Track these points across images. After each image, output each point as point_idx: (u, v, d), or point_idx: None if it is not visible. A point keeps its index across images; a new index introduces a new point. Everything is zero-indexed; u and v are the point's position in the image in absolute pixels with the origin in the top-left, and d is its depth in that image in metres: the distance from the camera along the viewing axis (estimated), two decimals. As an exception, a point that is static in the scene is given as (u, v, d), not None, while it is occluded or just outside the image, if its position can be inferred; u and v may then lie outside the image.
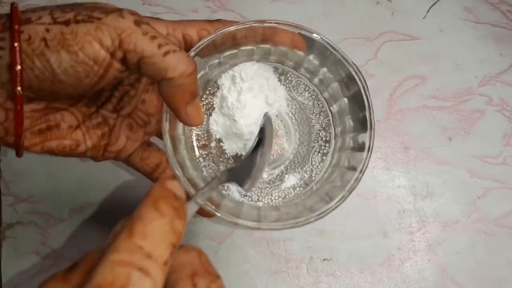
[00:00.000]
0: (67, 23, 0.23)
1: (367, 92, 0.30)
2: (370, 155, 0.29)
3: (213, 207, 0.28)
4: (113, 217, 0.45)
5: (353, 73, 0.30)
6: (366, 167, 0.29)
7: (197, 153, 0.32)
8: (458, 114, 0.50)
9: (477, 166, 0.48)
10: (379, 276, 0.43)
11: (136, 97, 0.30)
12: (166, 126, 0.28)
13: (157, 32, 0.24)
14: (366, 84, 0.30)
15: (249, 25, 0.28)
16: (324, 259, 0.43)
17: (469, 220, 0.45)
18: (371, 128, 0.29)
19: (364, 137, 0.29)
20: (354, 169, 0.29)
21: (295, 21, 0.55)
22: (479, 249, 0.44)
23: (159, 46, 0.23)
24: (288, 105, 0.34)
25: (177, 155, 0.28)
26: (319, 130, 0.34)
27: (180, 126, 0.30)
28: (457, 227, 0.45)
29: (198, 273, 0.18)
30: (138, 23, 0.24)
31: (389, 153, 0.48)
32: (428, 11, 0.57)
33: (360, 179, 0.29)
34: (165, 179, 0.19)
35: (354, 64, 0.30)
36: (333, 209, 0.29)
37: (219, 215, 0.28)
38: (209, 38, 0.28)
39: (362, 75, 0.30)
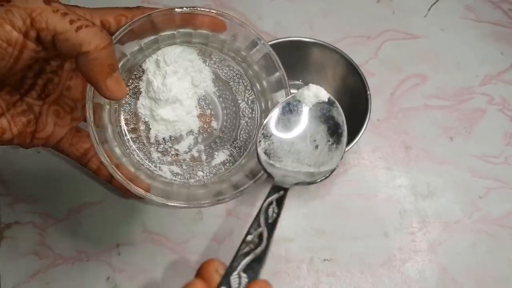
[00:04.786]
0: None
1: (283, 73, 0.31)
2: None
3: (143, 191, 0.29)
4: (111, 217, 0.45)
5: (272, 58, 0.31)
6: None
7: (126, 137, 0.33)
8: (459, 113, 0.50)
9: (479, 165, 0.47)
10: (380, 277, 0.42)
11: (61, 84, 0.31)
12: (90, 116, 0.28)
13: (68, 9, 0.25)
14: (282, 68, 0.31)
15: (164, 12, 0.29)
16: (324, 260, 0.43)
17: (470, 220, 0.45)
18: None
19: None
20: None
21: (295, 19, 0.56)
22: (480, 249, 0.44)
23: (71, 22, 0.24)
24: (214, 85, 0.34)
25: (104, 144, 0.29)
26: (245, 108, 0.35)
27: (105, 114, 0.31)
28: (458, 227, 0.44)
29: None
30: (48, 1, 0.24)
31: (390, 152, 0.48)
32: (429, 9, 0.56)
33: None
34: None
35: (274, 53, 0.31)
36: (255, 182, 0.30)
37: (149, 197, 0.29)
38: (127, 27, 0.28)
39: (279, 61, 0.31)
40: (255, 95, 0.34)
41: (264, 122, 0.30)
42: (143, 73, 0.32)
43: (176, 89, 0.32)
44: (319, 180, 0.27)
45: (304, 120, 0.29)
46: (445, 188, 0.46)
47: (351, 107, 0.46)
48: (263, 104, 0.34)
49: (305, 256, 0.43)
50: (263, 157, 0.28)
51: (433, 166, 0.47)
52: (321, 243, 0.44)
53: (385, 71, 0.52)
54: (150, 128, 0.33)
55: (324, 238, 0.44)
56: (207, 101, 0.34)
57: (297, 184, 0.26)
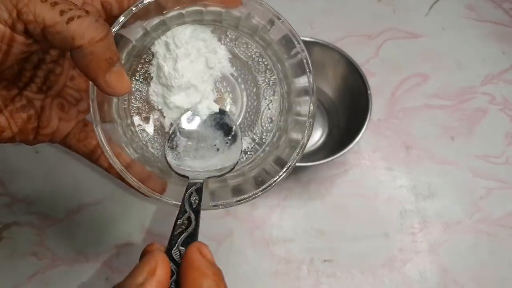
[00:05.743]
0: None
1: (306, 56, 0.29)
2: (312, 124, 0.29)
3: (158, 194, 0.28)
4: (110, 218, 0.45)
5: (291, 36, 0.29)
6: (307, 140, 0.29)
7: (140, 127, 0.31)
8: (460, 113, 0.50)
9: (480, 165, 0.47)
10: (381, 277, 0.42)
11: (64, 75, 0.29)
12: (95, 115, 0.27)
13: None
14: (305, 50, 0.29)
15: None
16: (324, 260, 0.43)
17: (472, 221, 0.45)
18: (312, 94, 0.29)
19: (306, 104, 0.29)
20: (297, 140, 0.29)
21: (296, 18, 0.55)
22: (482, 250, 0.44)
23: (61, 12, 0.22)
24: (231, 65, 0.32)
25: (113, 143, 0.27)
26: (266, 89, 0.32)
27: (113, 107, 0.29)
28: (459, 227, 0.44)
29: None
30: None
31: (391, 152, 0.48)
32: (430, 9, 0.56)
33: (303, 150, 0.29)
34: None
35: (295, 32, 0.29)
36: (277, 181, 0.29)
37: (165, 200, 0.28)
38: (129, 11, 0.27)
39: (301, 42, 0.29)
40: (276, 76, 0.32)
41: (168, 137, 0.30)
42: (153, 57, 0.30)
43: (189, 73, 0.29)
44: (226, 172, 0.29)
45: (202, 130, 0.31)
46: (446, 188, 0.46)
47: (352, 107, 0.46)
48: (285, 86, 0.32)
49: (305, 256, 0.43)
50: (173, 164, 0.29)
51: (434, 166, 0.47)
52: (321, 244, 0.43)
53: (386, 70, 0.52)
54: (164, 117, 0.31)
55: (324, 239, 0.44)
56: (224, 84, 0.32)
57: (209, 177, 0.29)
